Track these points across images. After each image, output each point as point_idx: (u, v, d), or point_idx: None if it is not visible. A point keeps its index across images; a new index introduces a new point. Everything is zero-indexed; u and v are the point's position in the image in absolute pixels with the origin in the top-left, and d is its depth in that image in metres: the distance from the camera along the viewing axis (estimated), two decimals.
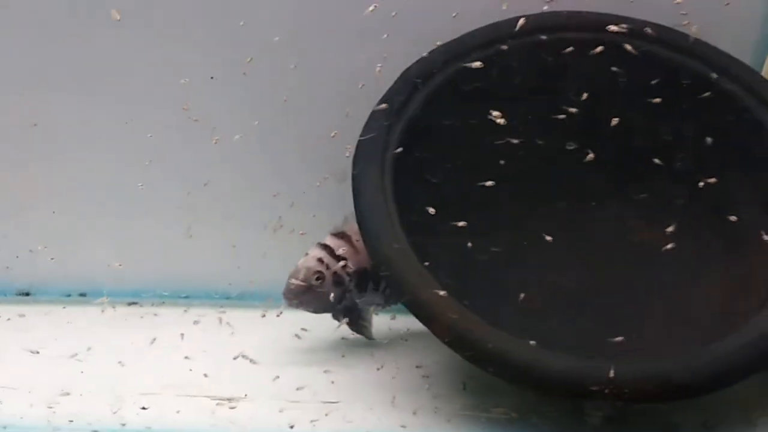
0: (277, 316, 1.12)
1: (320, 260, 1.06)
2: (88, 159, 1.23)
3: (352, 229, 1.06)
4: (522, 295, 1.02)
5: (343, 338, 1.13)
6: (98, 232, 1.25)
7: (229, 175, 1.23)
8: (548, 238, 1.07)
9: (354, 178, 1.01)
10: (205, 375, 1.05)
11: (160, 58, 1.18)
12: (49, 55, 1.18)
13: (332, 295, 1.05)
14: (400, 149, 1.04)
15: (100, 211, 1.24)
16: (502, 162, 1.09)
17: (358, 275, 1.07)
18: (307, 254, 1.07)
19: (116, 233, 1.25)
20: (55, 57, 1.18)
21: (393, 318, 1.18)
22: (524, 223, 1.09)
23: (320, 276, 1.05)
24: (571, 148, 1.09)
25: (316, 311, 1.08)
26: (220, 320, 1.21)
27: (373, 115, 1.06)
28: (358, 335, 1.11)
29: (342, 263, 1.06)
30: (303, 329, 1.15)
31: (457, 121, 1.08)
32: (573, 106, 1.08)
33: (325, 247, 1.07)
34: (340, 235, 1.08)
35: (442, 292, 0.93)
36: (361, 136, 1.04)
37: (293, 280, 1.04)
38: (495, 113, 1.06)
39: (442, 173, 1.08)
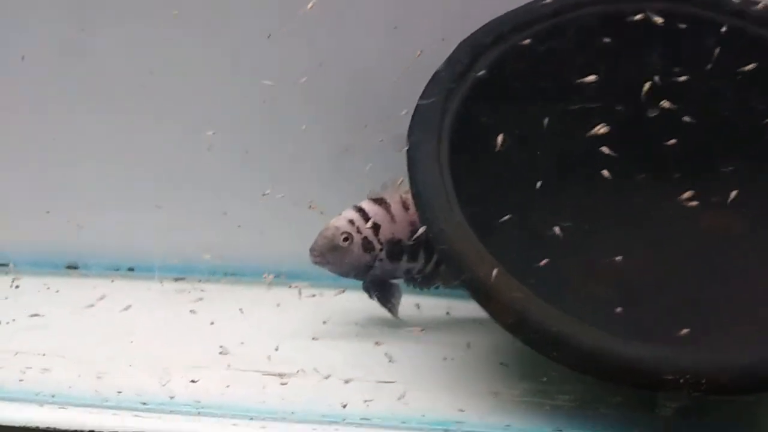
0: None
1: (351, 221, 1.04)
2: (139, 131, 1.22)
3: (392, 196, 1.05)
4: (585, 279, 0.98)
5: (401, 318, 1.10)
6: (147, 207, 1.24)
7: (278, 145, 1.20)
8: (611, 217, 1.02)
9: (409, 146, 0.98)
10: (256, 350, 1.03)
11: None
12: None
13: (359, 260, 1.03)
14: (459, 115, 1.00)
15: (149, 186, 1.24)
16: (570, 134, 1.03)
17: (390, 245, 1.04)
18: (340, 214, 1.05)
19: (165, 209, 1.24)
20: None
21: (447, 314, 1.15)
22: (588, 203, 1.04)
23: (348, 237, 1.03)
24: (646, 122, 1.03)
25: (342, 274, 1.06)
26: (275, 298, 1.19)
27: (434, 78, 1.01)
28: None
29: (374, 229, 1.04)
30: (358, 308, 1.13)
31: (524, 88, 1.03)
32: (651, 79, 1.02)
33: (360, 210, 1.05)
34: (379, 200, 1.06)
35: (502, 271, 0.89)
36: (419, 99, 1.00)
37: (321, 237, 1.03)
38: (589, 78, 0.99)
39: (504, 144, 1.02)
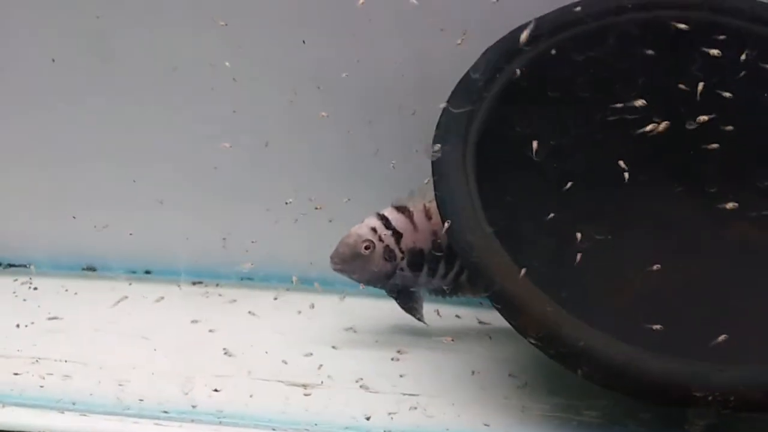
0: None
1: (373, 229, 1.02)
2: (156, 134, 1.21)
3: (416, 205, 1.03)
4: (613, 293, 0.97)
5: (426, 326, 1.08)
6: (165, 211, 1.23)
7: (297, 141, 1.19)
8: (637, 229, 1.01)
9: (434, 152, 0.96)
10: (281, 360, 1.02)
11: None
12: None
13: (380, 269, 1.02)
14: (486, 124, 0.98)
15: (166, 188, 1.23)
16: (601, 145, 1.02)
17: (412, 254, 1.03)
18: (362, 221, 1.03)
19: (181, 212, 1.22)
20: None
21: (480, 322, 1.14)
22: (620, 215, 1.03)
23: (369, 245, 1.01)
24: (684, 131, 1.01)
25: (363, 282, 1.04)
26: (297, 304, 1.17)
27: (463, 81, 1.00)
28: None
29: (396, 238, 1.02)
30: (382, 316, 1.12)
31: (559, 94, 1.01)
32: (689, 85, 1.00)
33: (382, 218, 1.03)
34: (402, 209, 1.04)
35: (531, 284, 0.88)
36: (447, 102, 0.99)
37: (342, 245, 1.01)
38: (638, 103, 0.98)
39: (537, 152, 1.01)
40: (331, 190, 1.16)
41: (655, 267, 0.97)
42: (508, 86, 0.99)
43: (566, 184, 1.00)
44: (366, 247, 1.01)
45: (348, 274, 1.03)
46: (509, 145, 1.00)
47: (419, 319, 1.06)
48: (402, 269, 1.03)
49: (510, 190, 0.98)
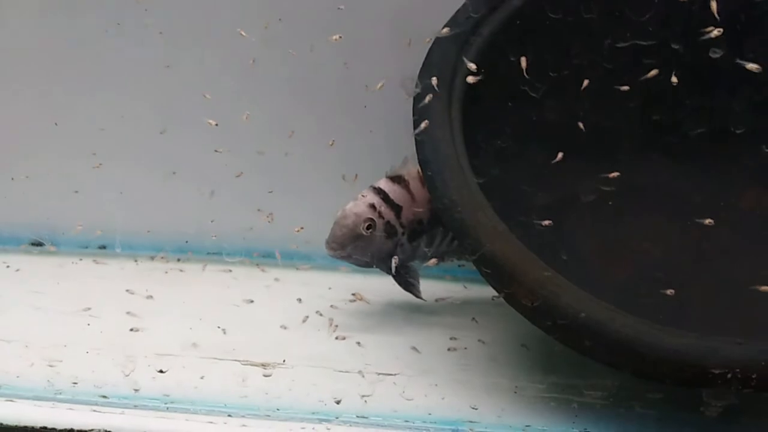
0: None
1: (372, 206, 0.95)
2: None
3: (410, 172, 0.98)
4: (615, 262, 0.91)
5: (407, 301, 1.03)
6: (115, 184, 1.18)
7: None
8: (639, 192, 0.94)
9: (416, 96, 0.89)
10: (236, 336, 0.96)
11: None
12: None
13: (382, 248, 0.95)
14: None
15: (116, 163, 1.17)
16: (609, 81, 0.92)
17: (411, 226, 0.97)
18: (357, 198, 0.96)
19: (135, 186, 1.17)
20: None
21: (465, 288, 1.09)
22: (614, 177, 0.94)
23: (371, 224, 0.95)
24: (677, 94, 0.94)
25: (361, 264, 0.98)
26: (257, 276, 1.12)
27: (460, 10, 0.92)
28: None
29: (396, 212, 0.96)
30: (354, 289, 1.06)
31: (562, 18, 0.92)
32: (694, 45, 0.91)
33: (379, 192, 0.97)
34: (397, 179, 0.98)
35: (524, 248, 0.81)
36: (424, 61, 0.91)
37: (339, 227, 0.93)
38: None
39: (524, 104, 0.92)
40: None
41: (650, 236, 0.90)
42: (508, 16, 0.92)
43: (567, 129, 0.92)
44: (368, 227, 0.94)
45: (346, 260, 0.96)
46: (504, 82, 0.92)
47: (417, 295, 1.00)
48: (402, 244, 0.97)
49: (502, 133, 0.92)
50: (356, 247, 0.94)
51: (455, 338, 0.95)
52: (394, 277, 1.00)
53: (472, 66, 0.88)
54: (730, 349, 0.75)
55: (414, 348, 0.93)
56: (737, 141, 0.94)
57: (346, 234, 0.93)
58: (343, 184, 1.05)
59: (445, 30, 0.89)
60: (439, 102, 0.88)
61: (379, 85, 0.99)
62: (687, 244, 0.93)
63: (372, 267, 0.99)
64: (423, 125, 0.86)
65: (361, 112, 1.09)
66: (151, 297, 1.04)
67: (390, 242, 0.96)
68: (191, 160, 1.14)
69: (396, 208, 0.96)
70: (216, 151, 1.12)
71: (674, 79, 0.90)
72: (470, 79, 0.89)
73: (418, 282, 1.00)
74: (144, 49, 1.12)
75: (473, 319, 0.98)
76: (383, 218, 0.95)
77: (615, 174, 0.89)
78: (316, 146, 1.09)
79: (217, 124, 1.08)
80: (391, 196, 0.96)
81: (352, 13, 1.05)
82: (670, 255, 0.92)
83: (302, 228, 1.05)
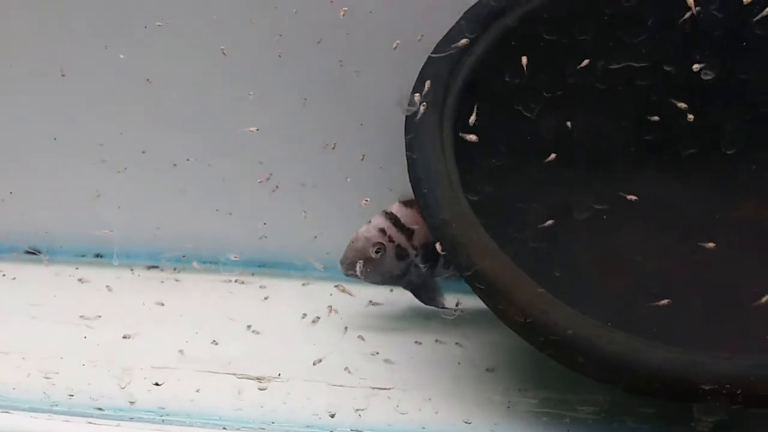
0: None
1: (382, 231, 1.00)
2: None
3: None
4: (608, 275, 0.91)
5: (402, 314, 1.06)
6: (113, 194, 1.18)
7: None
8: (634, 205, 0.94)
9: (408, 116, 0.91)
10: (232, 349, 0.97)
11: None
12: None
13: (393, 269, 1.00)
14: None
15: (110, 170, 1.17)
16: (602, 101, 0.94)
17: (425, 249, 1.00)
18: (370, 221, 1.01)
19: (139, 193, 1.18)
20: None
21: (458, 304, 1.08)
22: (606, 191, 0.95)
23: (380, 248, 1.00)
24: (672, 105, 0.94)
25: (376, 283, 1.03)
26: (253, 289, 1.13)
27: (453, 30, 0.93)
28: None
29: (407, 235, 1.00)
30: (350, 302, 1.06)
31: (556, 39, 0.93)
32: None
33: (390, 216, 1.01)
34: (409, 203, 1.01)
35: (513, 266, 0.82)
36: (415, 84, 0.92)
37: (351, 249, 1.00)
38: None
39: (518, 121, 0.94)
40: None
41: (643, 252, 0.90)
42: (503, 32, 0.93)
43: (561, 146, 0.93)
44: (377, 251, 0.99)
45: (361, 279, 1.01)
46: (497, 100, 0.93)
47: (443, 308, 1.03)
48: (417, 265, 1.01)
49: (496, 151, 0.92)
50: (366, 267, 0.99)
51: (449, 353, 0.95)
52: (416, 296, 1.04)
53: (473, 137, 0.91)
54: (718, 364, 0.75)
55: (408, 362, 0.93)
56: (731, 154, 0.94)
57: (357, 256, 0.99)
58: (344, 200, 1.08)
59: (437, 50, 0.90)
60: (432, 119, 0.89)
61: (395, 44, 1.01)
62: (683, 257, 0.93)
63: (388, 285, 1.03)
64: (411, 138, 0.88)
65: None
66: (147, 308, 1.04)
67: (402, 264, 1.00)
68: (190, 171, 1.14)
69: (407, 231, 1.00)
70: (214, 158, 1.13)
71: (682, 105, 0.91)
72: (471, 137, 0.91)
73: (442, 296, 1.03)
74: (137, 59, 1.12)
75: (466, 333, 0.99)
76: (393, 242, 0.99)
77: (633, 197, 0.91)
78: (317, 154, 1.11)
79: (258, 129, 1.09)
80: (403, 220, 1.00)
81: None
82: (665, 268, 0.92)
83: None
